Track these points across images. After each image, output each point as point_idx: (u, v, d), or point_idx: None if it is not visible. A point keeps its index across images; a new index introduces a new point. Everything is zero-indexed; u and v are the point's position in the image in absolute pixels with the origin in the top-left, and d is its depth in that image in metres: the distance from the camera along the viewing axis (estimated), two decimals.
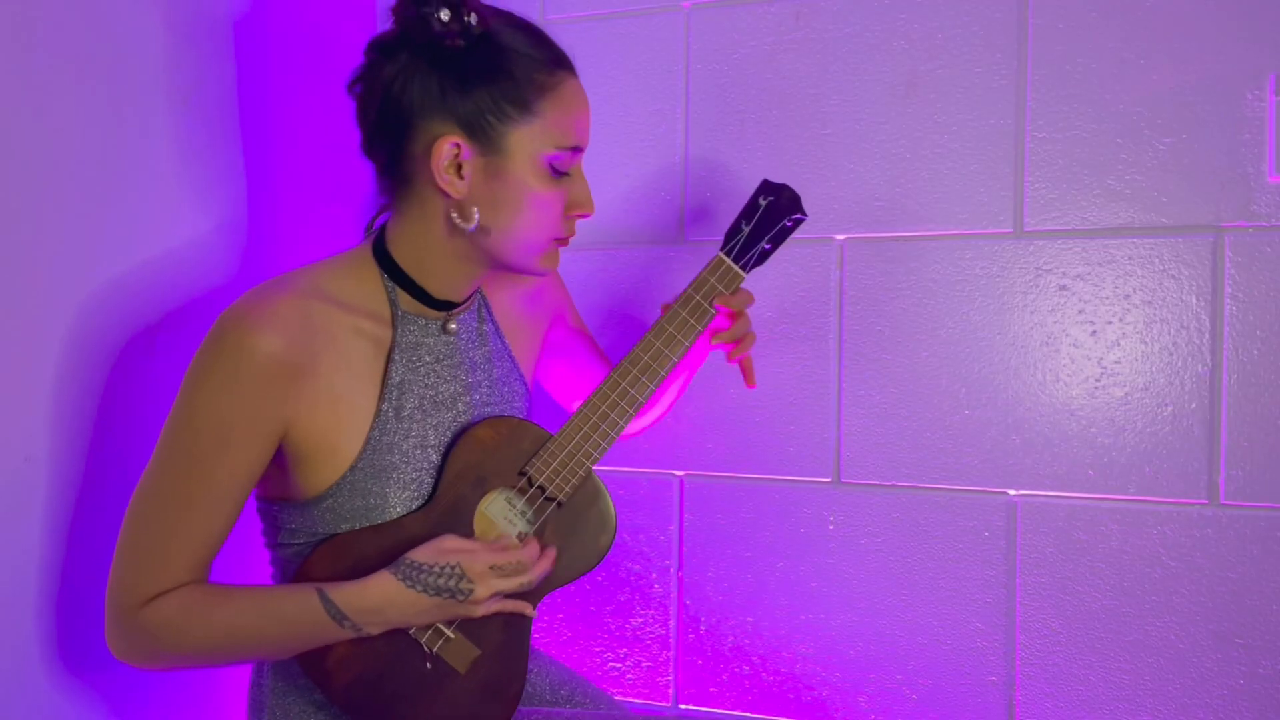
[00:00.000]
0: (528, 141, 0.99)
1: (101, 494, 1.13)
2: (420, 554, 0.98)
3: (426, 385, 1.05)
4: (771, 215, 1.14)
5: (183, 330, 1.23)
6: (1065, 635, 1.28)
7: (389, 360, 1.03)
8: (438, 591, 0.97)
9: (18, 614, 1.05)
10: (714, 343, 1.17)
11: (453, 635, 1.03)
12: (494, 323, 1.15)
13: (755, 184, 1.17)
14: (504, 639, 1.06)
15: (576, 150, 1.02)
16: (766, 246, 1.14)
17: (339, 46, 1.52)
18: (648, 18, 1.46)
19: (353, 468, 1.00)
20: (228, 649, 0.98)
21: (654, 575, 1.47)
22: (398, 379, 1.03)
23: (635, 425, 1.26)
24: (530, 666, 1.20)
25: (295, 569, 1.02)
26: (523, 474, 1.06)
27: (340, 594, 0.96)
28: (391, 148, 1.01)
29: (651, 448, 1.46)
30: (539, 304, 1.23)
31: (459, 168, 0.99)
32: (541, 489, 1.06)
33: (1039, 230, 1.28)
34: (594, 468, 1.09)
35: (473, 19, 0.97)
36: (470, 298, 1.10)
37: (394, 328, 1.03)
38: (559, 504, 1.07)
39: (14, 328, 1.03)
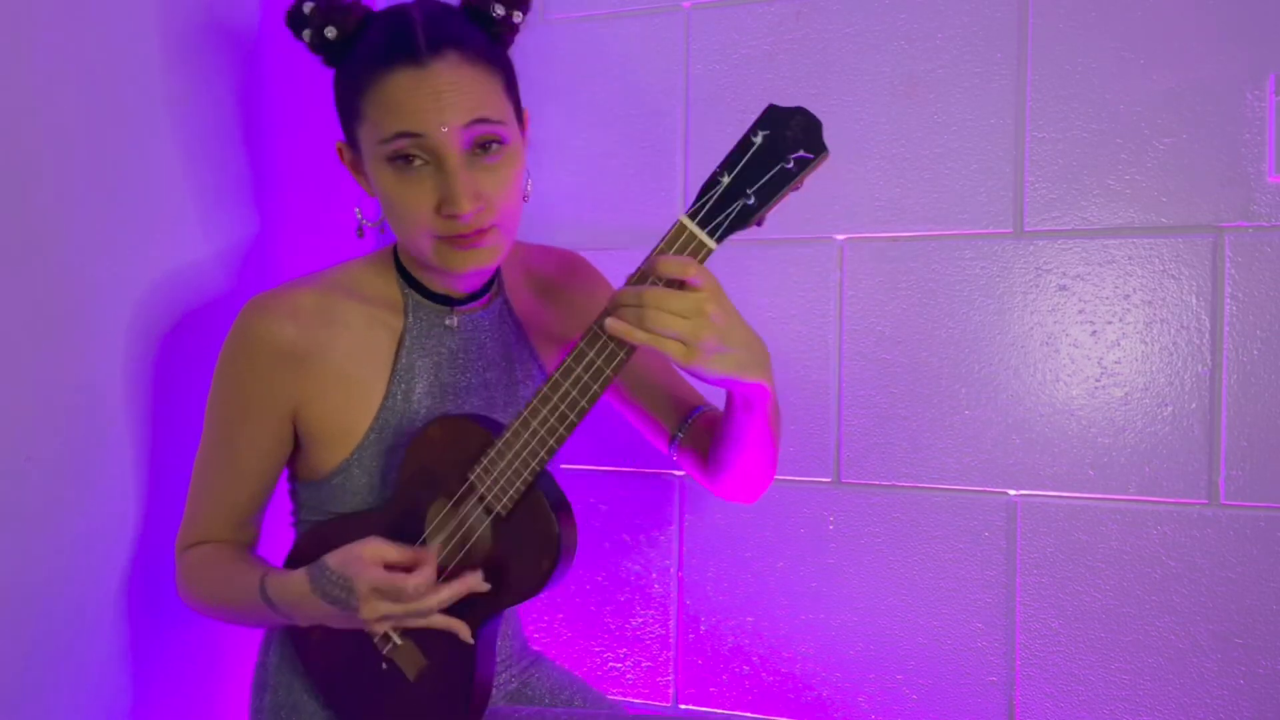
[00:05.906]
0: (367, 138, 0.98)
1: (98, 495, 1.14)
2: (331, 557, 0.93)
3: (437, 372, 1.07)
4: (766, 156, 0.78)
5: (182, 331, 1.23)
6: (1065, 635, 1.28)
7: (400, 345, 1.06)
8: (333, 601, 0.92)
9: (18, 609, 1.05)
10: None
11: (400, 641, 0.99)
12: (516, 322, 1.14)
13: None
14: (451, 653, 0.97)
15: (405, 135, 0.93)
16: (750, 201, 0.79)
17: None
18: (648, 18, 1.46)
19: (360, 446, 1.04)
20: (220, 608, 1.05)
21: (654, 575, 1.47)
22: (406, 363, 1.06)
23: (727, 480, 1.06)
24: (530, 670, 1.20)
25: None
26: (465, 480, 0.95)
27: (272, 582, 0.99)
28: None
29: (651, 448, 1.46)
30: (585, 317, 1.12)
31: (357, 169, 1.04)
32: (481, 498, 0.94)
33: (1039, 230, 1.28)
34: (561, 478, 0.99)
35: (330, 32, 0.99)
36: (481, 296, 1.10)
37: (405, 315, 1.07)
38: (500, 516, 0.93)
39: (12, 328, 1.03)
